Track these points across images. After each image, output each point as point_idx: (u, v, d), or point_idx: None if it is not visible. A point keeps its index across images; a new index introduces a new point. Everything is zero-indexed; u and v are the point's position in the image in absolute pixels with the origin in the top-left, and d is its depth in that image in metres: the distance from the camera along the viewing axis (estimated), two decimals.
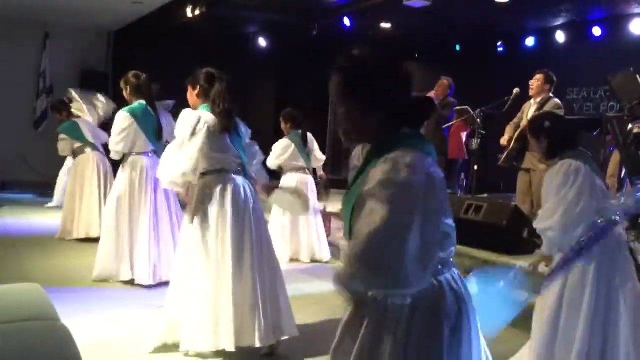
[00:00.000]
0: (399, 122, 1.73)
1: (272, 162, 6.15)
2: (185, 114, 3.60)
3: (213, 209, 3.53)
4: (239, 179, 3.62)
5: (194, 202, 3.59)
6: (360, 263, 1.56)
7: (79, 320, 3.88)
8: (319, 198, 6.24)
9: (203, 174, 3.59)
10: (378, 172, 1.59)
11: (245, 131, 3.82)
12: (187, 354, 3.47)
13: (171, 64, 9.95)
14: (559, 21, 9.12)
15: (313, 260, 6.27)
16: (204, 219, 3.53)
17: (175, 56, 10.44)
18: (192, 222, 3.57)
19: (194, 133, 3.51)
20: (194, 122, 3.53)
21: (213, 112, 3.58)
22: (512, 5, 8.03)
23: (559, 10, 8.56)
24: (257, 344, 3.43)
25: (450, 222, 1.73)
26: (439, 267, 1.70)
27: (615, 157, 6.01)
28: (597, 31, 8.66)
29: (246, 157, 3.71)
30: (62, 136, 7.24)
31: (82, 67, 11.40)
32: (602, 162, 5.60)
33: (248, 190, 3.63)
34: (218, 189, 3.55)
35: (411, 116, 1.76)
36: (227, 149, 3.61)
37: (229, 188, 3.56)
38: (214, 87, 3.65)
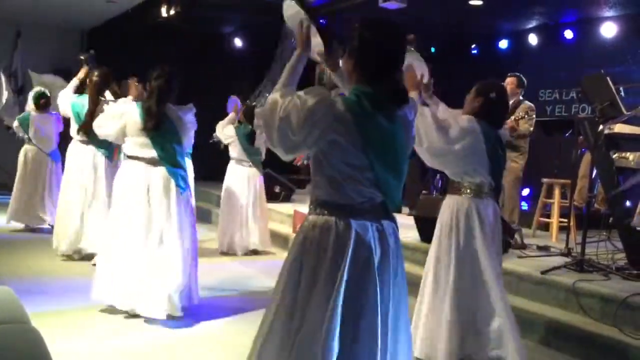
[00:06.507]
0: (367, 82, 2.05)
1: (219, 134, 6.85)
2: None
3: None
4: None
5: None
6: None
7: (48, 316, 3.90)
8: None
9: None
10: None
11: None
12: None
13: (146, 63, 9.85)
14: (532, 24, 9.24)
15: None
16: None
17: (150, 56, 10.33)
18: None
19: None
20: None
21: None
22: (486, 8, 8.13)
23: (531, 13, 8.67)
24: None
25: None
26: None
27: (587, 158, 6.11)
28: (568, 34, 8.80)
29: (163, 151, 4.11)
30: None
31: (55, 66, 11.18)
32: (574, 163, 5.69)
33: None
34: None
35: (378, 88, 2.04)
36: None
37: None
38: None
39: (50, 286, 4.87)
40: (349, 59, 2.11)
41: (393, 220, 2.16)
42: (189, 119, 4.25)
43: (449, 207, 3.50)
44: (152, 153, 4.13)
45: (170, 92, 4.19)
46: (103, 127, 4.36)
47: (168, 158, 4.14)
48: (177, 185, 4.16)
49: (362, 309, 1.98)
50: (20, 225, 7.24)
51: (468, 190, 3.42)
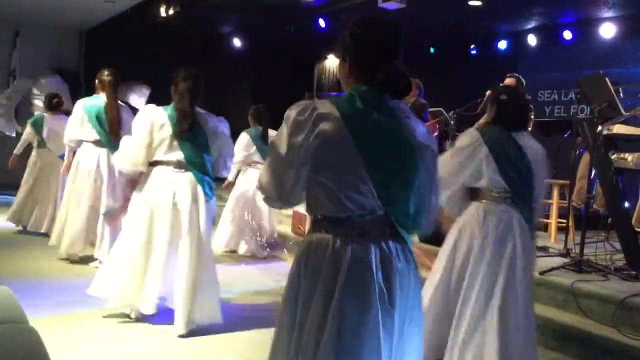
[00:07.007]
0: (363, 82, 1.95)
1: (237, 156, 6.45)
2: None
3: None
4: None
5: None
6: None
7: (47, 317, 3.92)
8: None
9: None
10: None
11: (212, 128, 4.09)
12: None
13: (145, 63, 9.85)
14: (531, 24, 9.24)
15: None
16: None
17: (149, 56, 10.34)
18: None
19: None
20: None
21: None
22: (485, 9, 8.14)
23: (530, 13, 8.68)
24: None
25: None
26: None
27: (586, 158, 6.11)
28: (567, 35, 8.80)
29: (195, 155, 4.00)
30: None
31: (53, 65, 11.19)
32: (573, 164, 5.69)
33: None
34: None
35: (379, 82, 1.93)
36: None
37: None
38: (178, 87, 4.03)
39: (50, 286, 4.86)
40: (343, 62, 2.00)
41: (402, 241, 1.95)
42: (215, 123, 4.11)
43: (465, 214, 3.46)
44: (179, 156, 3.98)
45: (198, 95, 4.08)
46: (130, 159, 4.08)
47: (196, 162, 4.00)
48: (204, 192, 4.03)
49: (359, 333, 1.85)
50: (17, 226, 7.22)
51: (484, 197, 3.37)
